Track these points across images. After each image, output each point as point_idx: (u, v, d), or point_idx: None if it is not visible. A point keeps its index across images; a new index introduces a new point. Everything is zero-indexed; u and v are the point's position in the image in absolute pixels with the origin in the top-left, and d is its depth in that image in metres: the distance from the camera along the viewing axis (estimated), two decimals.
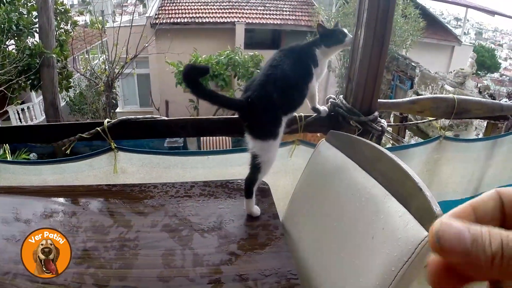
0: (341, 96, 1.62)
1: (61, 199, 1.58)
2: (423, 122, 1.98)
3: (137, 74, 13.07)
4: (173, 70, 9.60)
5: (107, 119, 1.62)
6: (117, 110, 13.38)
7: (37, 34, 9.42)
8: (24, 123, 12.42)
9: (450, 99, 1.77)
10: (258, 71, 9.61)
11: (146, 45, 9.84)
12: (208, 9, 13.45)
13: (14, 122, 12.46)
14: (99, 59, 10.26)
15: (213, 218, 1.39)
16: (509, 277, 0.30)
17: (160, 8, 13.36)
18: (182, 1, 13.99)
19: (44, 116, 10.68)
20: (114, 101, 13.22)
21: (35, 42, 9.33)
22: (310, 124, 1.62)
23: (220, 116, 1.62)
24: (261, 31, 13.98)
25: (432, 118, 1.86)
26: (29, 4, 9.54)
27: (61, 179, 1.84)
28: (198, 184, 1.58)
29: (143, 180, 1.77)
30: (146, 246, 1.28)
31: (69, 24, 10.64)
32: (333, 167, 1.24)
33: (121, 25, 10.53)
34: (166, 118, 1.63)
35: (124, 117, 1.63)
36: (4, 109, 10.40)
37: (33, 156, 10.47)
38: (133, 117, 1.62)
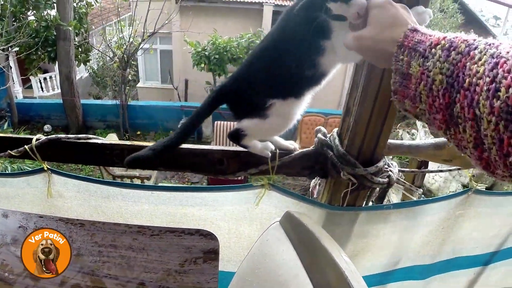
0: (335, 131, 1.17)
1: None
2: (450, 170, 1.52)
3: (160, 50, 12.79)
4: (191, 50, 9.28)
5: (36, 136, 1.31)
6: (138, 85, 13.17)
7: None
8: (46, 93, 12.59)
9: None
10: None
11: (166, 22, 9.44)
12: None
13: (36, 91, 12.58)
14: (116, 34, 10.01)
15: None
16: None
17: None
18: None
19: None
20: (136, 76, 13.03)
21: (53, 14, 9.16)
22: (287, 165, 1.18)
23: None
24: None
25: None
26: None
27: (4, 192, 1.58)
28: (131, 230, 1.20)
29: (80, 207, 1.46)
30: None
31: None
32: (278, 269, 0.84)
33: None
34: (100, 142, 1.27)
35: (53, 136, 1.30)
36: (24, 78, 10.67)
37: (47, 127, 10.47)
38: (63, 135, 1.30)
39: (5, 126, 9.34)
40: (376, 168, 1.10)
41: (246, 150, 1.16)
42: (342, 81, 12.36)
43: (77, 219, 1.27)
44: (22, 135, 1.39)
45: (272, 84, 1.04)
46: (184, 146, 1.20)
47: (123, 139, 9.59)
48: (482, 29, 15.55)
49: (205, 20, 11.29)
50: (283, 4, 12.37)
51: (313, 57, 0.95)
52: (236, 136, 1.13)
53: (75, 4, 9.77)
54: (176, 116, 10.01)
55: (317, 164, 1.19)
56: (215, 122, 8.17)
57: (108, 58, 10.98)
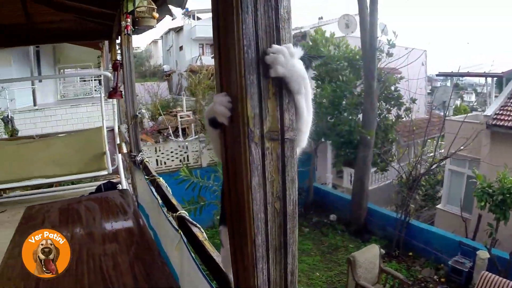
0: None
1: None
2: None
3: (468, 175, 11.66)
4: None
5: None
6: (439, 206, 12.16)
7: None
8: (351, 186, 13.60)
9: None
10: None
11: (461, 148, 8.86)
12: None
13: (345, 182, 13.79)
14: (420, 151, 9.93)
15: None
16: None
17: (502, 108, 10.81)
18: None
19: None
20: (436, 195, 12.64)
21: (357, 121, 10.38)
22: None
23: None
24: None
25: None
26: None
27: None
28: None
29: None
30: None
31: (401, 110, 11.06)
32: None
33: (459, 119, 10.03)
34: None
35: None
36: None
37: (332, 217, 11.40)
38: None
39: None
40: None
41: None
42: None
43: None
44: None
45: None
46: None
47: (392, 254, 9.30)
48: None
49: None
50: None
51: None
52: None
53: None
54: (452, 251, 8.63)
55: None
56: (482, 272, 6.60)
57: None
